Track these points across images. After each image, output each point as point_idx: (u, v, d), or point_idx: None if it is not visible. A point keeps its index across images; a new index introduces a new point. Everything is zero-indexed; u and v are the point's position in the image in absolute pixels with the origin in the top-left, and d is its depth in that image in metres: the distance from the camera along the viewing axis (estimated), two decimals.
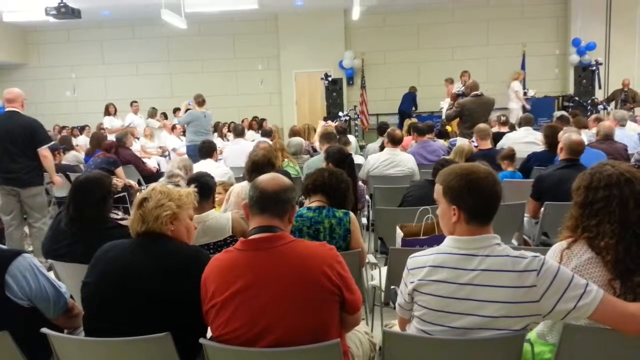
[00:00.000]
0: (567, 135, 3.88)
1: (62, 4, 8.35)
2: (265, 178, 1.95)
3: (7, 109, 4.95)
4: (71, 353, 1.87)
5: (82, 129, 12.10)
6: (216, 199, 3.40)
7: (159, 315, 1.85)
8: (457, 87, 10.41)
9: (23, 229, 5.19)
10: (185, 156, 4.74)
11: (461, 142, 6.14)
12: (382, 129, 7.48)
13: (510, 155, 4.90)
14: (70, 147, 7.77)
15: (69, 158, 7.29)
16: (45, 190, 5.33)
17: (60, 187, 5.68)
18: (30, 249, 5.27)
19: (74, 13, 8.52)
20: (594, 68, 12.16)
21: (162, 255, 1.95)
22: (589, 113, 10.50)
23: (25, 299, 1.94)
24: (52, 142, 5.71)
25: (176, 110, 11.02)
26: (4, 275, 1.89)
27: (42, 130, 5.05)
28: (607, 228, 1.83)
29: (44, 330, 1.82)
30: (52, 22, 9.28)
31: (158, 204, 2.00)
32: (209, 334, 1.88)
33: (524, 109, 10.94)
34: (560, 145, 3.78)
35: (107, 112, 10.49)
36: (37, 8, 9.53)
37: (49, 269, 2.61)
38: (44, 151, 4.94)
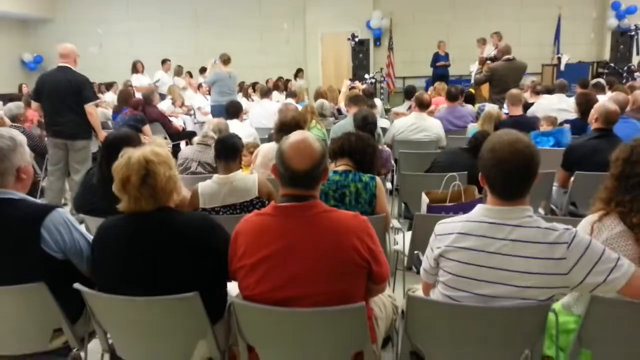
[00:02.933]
0: (602, 104, 3.74)
1: None
2: (293, 153, 1.78)
3: (59, 64, 5.08)
4: (102, 308, 1.93)
5: (108, 86, 12.16)
6: (242, 161, 3.43)
7: (186, 279, 1.86)
8: (489, 49, 10.08)
9: (64, 182, 5.34)
10: (222, 119, 4.80)
11: (490, 107, 6.01)
12: (408, 92, 7.35)
13: (552, 120, 5.10)
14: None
15: None
16: None
17: None
18: (63, 201, 5.44)
19: None
20: (633, 33, 11.66)
21: (177, 224, 1.90)
22: (624, 80, 10.14)
23: (60, 252, 2.00)
24: (98, 100, 5.78)
25: (203, 70, 10.99)
26: (39, 228, 1.94)
27: (89, 88, 5.19)
28: None
29: (77, 285, 1.86)
30: None
31: (165, 177, 1.86)
32: (235, 293, 1.92)
33: None
34: (594, 114, 3.65)
35: (134, 70, 10.50)
36: None
37: (80, 222, 2.68)
38: (90, 108, 5.07)
